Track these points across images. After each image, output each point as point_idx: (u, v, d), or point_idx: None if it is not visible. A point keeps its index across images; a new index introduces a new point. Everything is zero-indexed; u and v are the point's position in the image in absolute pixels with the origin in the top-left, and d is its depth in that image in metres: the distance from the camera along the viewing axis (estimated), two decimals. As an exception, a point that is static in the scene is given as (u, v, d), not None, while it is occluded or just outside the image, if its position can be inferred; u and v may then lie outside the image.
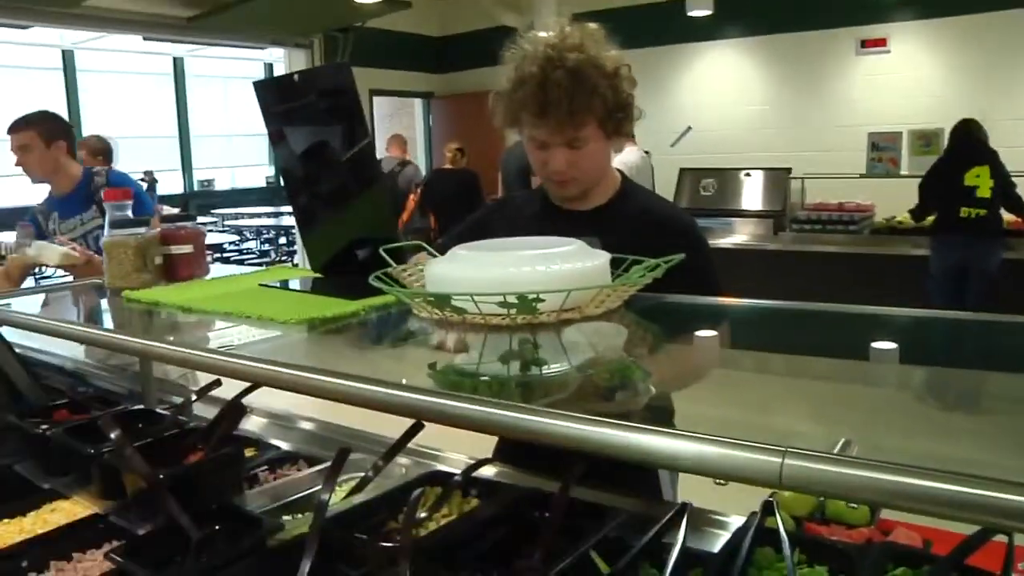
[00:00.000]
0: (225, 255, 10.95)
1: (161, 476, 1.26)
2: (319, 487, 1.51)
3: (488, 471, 1.56)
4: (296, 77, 1.34)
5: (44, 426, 1.62)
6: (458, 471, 1.48)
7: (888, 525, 1.49)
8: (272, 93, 1.45)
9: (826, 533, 1.45)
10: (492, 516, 1.26)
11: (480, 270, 1.08)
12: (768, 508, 1.21)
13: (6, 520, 1.42)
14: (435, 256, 1.32)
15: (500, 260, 1.10)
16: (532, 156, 1.64)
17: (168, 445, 1.45)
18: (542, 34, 1.57)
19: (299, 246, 9.11)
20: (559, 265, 1.08)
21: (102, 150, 5.38)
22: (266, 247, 12.15)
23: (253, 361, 0.90)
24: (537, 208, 1.73)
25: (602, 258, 1.15)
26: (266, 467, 1.59)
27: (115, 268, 1.55)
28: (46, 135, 3.16)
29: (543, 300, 1.02)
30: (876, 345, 1.01)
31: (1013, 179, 5.36)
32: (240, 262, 10.89)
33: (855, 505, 1.52)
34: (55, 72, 13.35)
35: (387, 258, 1.24)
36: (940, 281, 5.34)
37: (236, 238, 11.92)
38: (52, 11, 6.29)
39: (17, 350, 1.90)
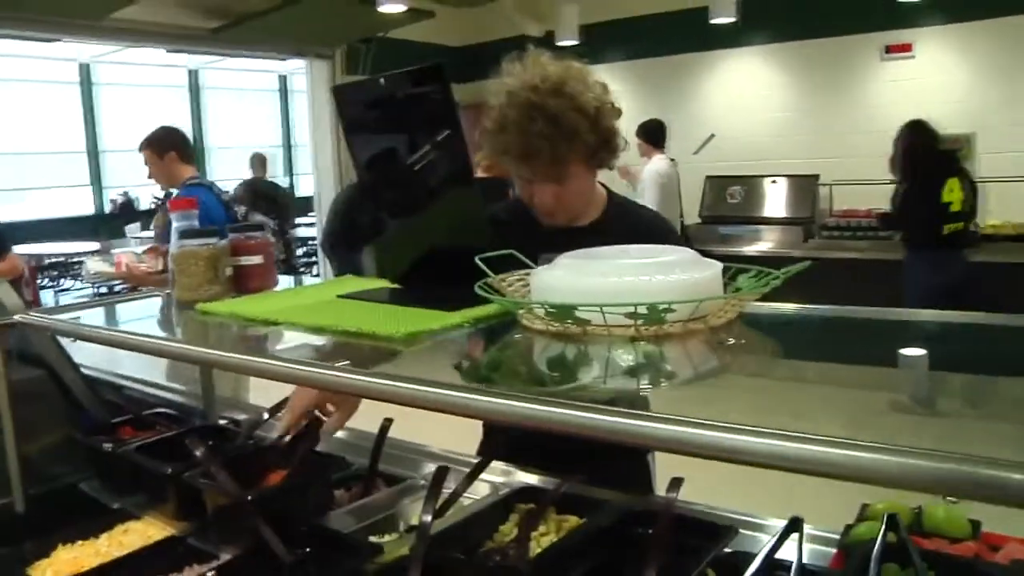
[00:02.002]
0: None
1: (250, 497, 1.20)
2: (403, 504, 1.48)
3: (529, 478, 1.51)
4: (382, 80, 1.29)
5: (109, 444, 1.57)
6: (546, 486, 1.43)
7: (994, 539, 1.43)
8: (353, 97, 1.40)
9: (929, 546, 1.39)
10: (599, 533, 1.20)
11: (597, 279, 1.02)
12: (891, 522, 1.16)
13: (80, 542, 1.37)
14: (531, 265, 1.27)
15: (616, 269, 1.04)
16: (519, 186, 1.68)
17: (247, 463, 1.40)
18: (524, 71, 1.57)
19: (319, 257, 9.10)
20: (679, 275, 1.03)
21: None
22: (283, 257, 12.12)
23: (390, 380, 0.84)
24: (530, 225, 1.72)
25: (715, 267, 1.09)
26: (341, 486, 1.54)
27: (185, 280, 1.50)
28: (158, 149, 3.74)
29: (673, 311, 0.96)
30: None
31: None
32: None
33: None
34: (73, 86, 13.42)
35: (484, 267, 1.19)
36: (917, 296, 5.15)
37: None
38: (78, 24, 6.28)
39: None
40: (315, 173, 8.68)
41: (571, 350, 1.00)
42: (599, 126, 1.56)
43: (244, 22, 6.84)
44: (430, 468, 1.67)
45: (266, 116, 16.70)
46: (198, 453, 1.23)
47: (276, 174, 16.64)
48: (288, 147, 16.95)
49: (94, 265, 3.86)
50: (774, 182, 7.34)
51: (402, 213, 1.43)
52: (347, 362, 0.93)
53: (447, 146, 1.26)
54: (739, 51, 8.12)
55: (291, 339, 1.22)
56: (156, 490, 1.42)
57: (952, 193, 5.11)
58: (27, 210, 12.75)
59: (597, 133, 1.56)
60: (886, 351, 1.01)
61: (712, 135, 8.12)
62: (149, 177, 3.85)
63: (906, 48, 7.35)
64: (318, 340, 1.16)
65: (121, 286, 3.58)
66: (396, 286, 1.46)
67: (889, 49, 7.42)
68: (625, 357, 0.96)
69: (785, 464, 0.61)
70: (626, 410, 0.70)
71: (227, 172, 15.61)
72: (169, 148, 3.76)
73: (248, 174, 9.23)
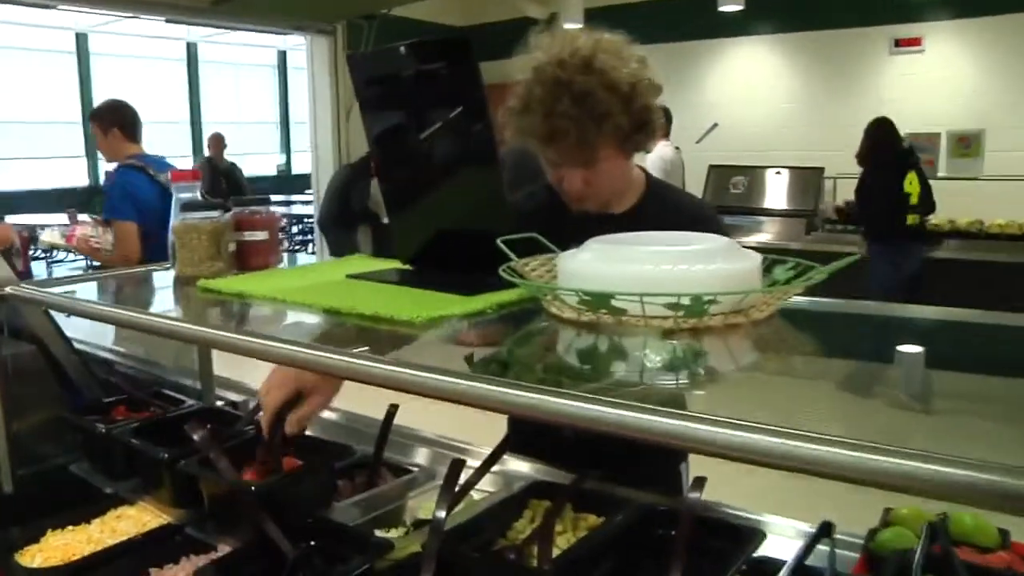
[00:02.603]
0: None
1: (253, 488, 1.14)
2: (410, 496, 1.41)
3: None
4: (403, 49, 1.21)
5: (102, 425, 1.50)
6: (555, 480, 1.37)
7: (1024, 549, 1.37)
8: (370, 66, 1.32)
9: (960, 556, 1.33)
10: (620, 534, 1.14)
11: (633, 266, 0.95)
12: (933, 531, 1.10)
13: (71, 527, 1.31)
14: (554, 250, 1.20)
15: (654, 256, 0.97)
16: (547, 171, 1.56)
17: (247, 450, 1.33)
18: (553, 44, 1.45)
19: (316, 235, 9.00)
20: (720, 264, 0.96)
21: None
22: (279, 235, 12.02)
23: (418, 371, 0.77)
24: (562, 210, 1.61)
25: (755, 258, 1.03)
26: (345, 475, 1.47)
27: (186, 255, 1.43)
28: (102, 124, 3.71)
29: (718, 303, 0.89)
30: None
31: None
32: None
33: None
34: (69, 55, 13.24)
35: (506, 250, 1.12)
36: (883, 287, 5.35)
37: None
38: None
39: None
40: (313, 151, 8.58)
41: (604, 341, 0.93)
42: (633, 105, 1.43)
43: (244, -5, 6.72)
44: (437, 457, 1.61)
45: (264, 92, 16.54)
46: (197, 438, 1.16)
47: (272, 150, 16.52)
48: (285, 124, 16.80)
49: (48, 236, 3.82)
50: (778, 173, 7.26)
51: (418, 191, 1.36)
52: (366, 348, 0.86)
53: (470, 123, 1.19)
54: (746, 40, 8.04)
55: (298, 320, 1.15)
56: (152, 475, 1.35)
57: (911, 185, 5.42)
58: (21, 180, 12.61)
59: (630, 114, 1.43)
60: (929, 348, 0.94)
61: (716, 124, 8.04)
62: (97, 149, 3.87)
63: (915, 42, 7.28)
64: (326, 322, 1.09)
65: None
66: (408, 267, 1.39)
67: (898, 43, 7.35)
68: (664, 350, 0.89)
69: (822, 470, 0.55)
70: (659, 408, 0.64)
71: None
72: (113, 124, 3.72)
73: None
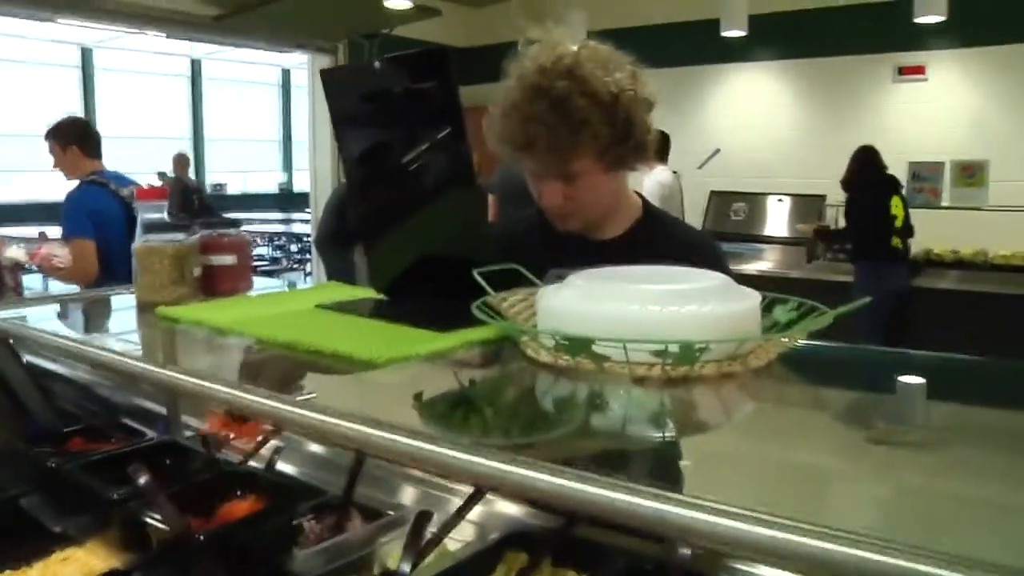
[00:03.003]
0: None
1: (201, 537, 1.04)
2: (381, 543, 1.31)
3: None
4: (377, 65, 1.13)
5: (55, 458, 1.40)
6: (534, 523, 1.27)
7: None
8: (344, 83, 1.24)
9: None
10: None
11: (617, 305, 0.86)
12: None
13: (8, 571, 1.21)
14: (535, 283, 1.11)
15: (640, 295, 0.88)
16: (529, 183, 1.46)
17: (205, 490, 1.24)
18: (540, 53, 1.38)
19: (313, 255, 8.92)
20: (714, 305, 0.87)
21: None
22: (277, 254, 11.96)
23: (365, 426, 0.68)
24: (548, 233, 1.52)
25: (753, 297, 0.94)
26: (312, 516, 1.37)
27: (148, 279, 1.34)
28: (61, 140, 3.62)
29: (710, 350, 0.80)
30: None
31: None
32: (253, 268, 10.68)
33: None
34: (73, 69, 13.25)
35: (482, 283, 1.03)
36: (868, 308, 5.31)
37: (248, 243, 11.73)
38: (75, 3, 6.11)
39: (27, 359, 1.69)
40: (312, 170, 8.52)
41: (581, 391, 0.84)
42: (616, 116, 1.34)
43: (246, 11, 6.68)
44: (420, 496, 1.50)
45: (266, 109, 16.55)
46: (141, 481, 1.07)
47: (274, 168, 16.49)
48: (287, 142, 16.80)
49: (11, 252, 3.74)
50: (780, 200, 7.19)
51: (393, 216, 1.28)
52: (312, 394, 0.77)
53: (447, 143, 1.11)
54: (749, 65, 7.99)
55: (250, 355, 1.06)
56: (100, 516, 1.26)
57: (897, 208, 5.60)
58: (25, 192, 12.54)
59: (612, 124, 1.34)
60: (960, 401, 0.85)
61: (718, 150, 7.97)
62: (54, 167, 3.74)
63: (919, 71, 7.22)
64: (280, 358, 1.00)
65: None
66: (383, 297, 1.30)
67: (902, 71, 7.29)
68: (648, 405, 0.80)
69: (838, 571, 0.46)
70: (635, 487, 0.54)
71: (224, 164, 15.48)
72: (72, 141, 3.65)
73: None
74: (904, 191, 5.92)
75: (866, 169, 5.76)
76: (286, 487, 1.30)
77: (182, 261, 1.35)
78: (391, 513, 1.36)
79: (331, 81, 1.23)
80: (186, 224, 1.38)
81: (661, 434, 0.77)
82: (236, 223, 1.45)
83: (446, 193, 1.15)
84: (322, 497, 1.37)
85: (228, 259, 1.41)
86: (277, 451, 1.41)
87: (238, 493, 1.26)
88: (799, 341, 0.94)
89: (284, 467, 1.52)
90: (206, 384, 0.84)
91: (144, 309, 1.34)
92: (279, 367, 1.01)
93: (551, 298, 0.93)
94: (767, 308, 0.98)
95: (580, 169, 1.38)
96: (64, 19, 6.91)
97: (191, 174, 10.08)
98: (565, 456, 0.71)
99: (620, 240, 1.49)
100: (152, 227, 1.35)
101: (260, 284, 1.59)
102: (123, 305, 1.43)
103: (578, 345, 0.81)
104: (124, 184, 3.58)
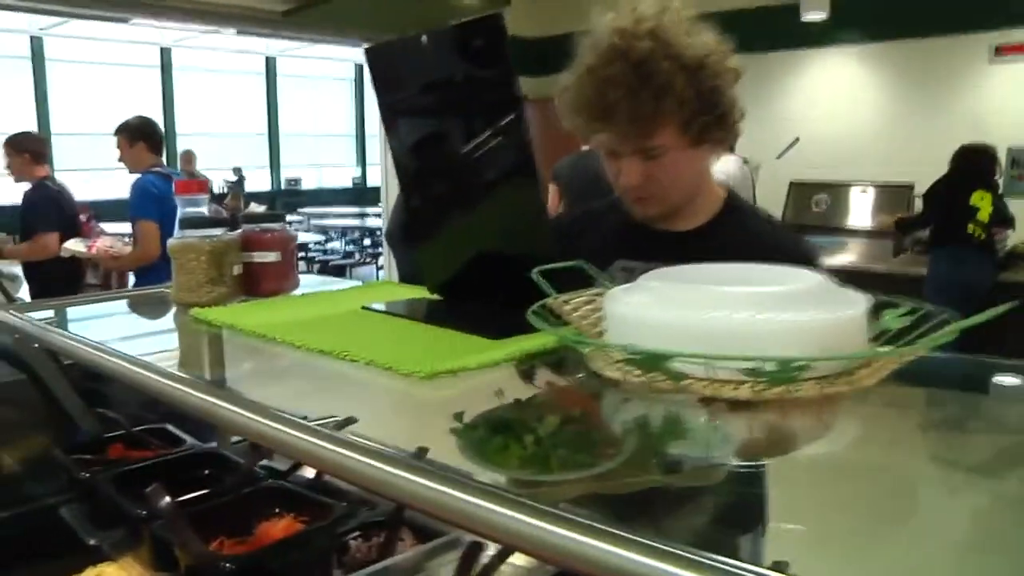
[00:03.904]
0: (309, 255, 10.89)
1: (227, 564, 0.94)
2: (431, 568, 1.19)
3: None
4: (424, 39, 1.01)
5: (93, 467, 1.33)
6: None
7: None
8: (390, 62, 1.12)
9: None
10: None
11: (698, 313, 0.72)
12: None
13: (41, 587, 1.14)
14: (601, 282, 0.97)
15: (726, 300, 0.73)
16: (605, 164, 1.33)
17: (237, 507, 1.14)
18: (616, 17, 1.26)
19: (385, 249, 8.91)
20: (815, 313, 0.72)
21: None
22: (351, 247, 12.06)
23: (382, 463, 0.56)
24: (620, 223, 1.39)
25: (860, 302, 0.78)
26: (358, 534, 1.27)
27: (184, 278, 1.25)
28: (129, 137, 4.01)
29: (812, 368, 0.66)
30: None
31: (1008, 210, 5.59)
32: (324, 263, 10.79)
33: None
34: (153, 69, 13.57)
35: (543, 284, 0.89)
36: (938, 294, 5.22)
37: (321, 238, 11.86)
38: (147, 3, 6.20)
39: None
40: (383, 164, 8.50)
41: (654, 417, 0.70)
42: (701, 83, 1.21)
43: (315, 5, 6.68)
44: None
45: (340, 105, 16.71)
46: (161, 504, 0.97)
47: (348, 163, 16.64)
48: (361, 137, 16.93)
49: (72, 245, 4.04)
50: (864, 191, 6.86)
51: (446, 209, 1.15)
52: (334, 418, 0.65)
53: (506, 127, 0.98)
54: (831, 50, 7.64)
55: (277, 365, 0.95)
56: (132, 532, 1.18)
57: (982, 201, 5.39)
58: (111, 190, 12.91)
59: (698, 91, 1.21)
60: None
61: (797, 139, 7.65)
62: (119, 160, 4.13)
63: (1019, 49, 6.78)
64: (310, 369, 0.89)
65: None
66: (434, 297, 1.18)
67: (999, 50, 6.85)
68: (735, 434, 0.66)
69: None
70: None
71: (300, 159, 15.69)
72: (139, 138, 4.04)
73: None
74: (1001, 180, 5.61)
75: (959, 164, 5.63)
76: (329, 505, 1.19)
77: (221, 258, 1.26)
78: (445, 535, 1.24)
79: (377, 60, 1.12)
80: (226, 219, 1.29)
81: (751, 477, 0.63)
82: (280, 217, 1.34)
83: (504, 183, 1.02)
84: (370, 514, 1.26)
85: (271, 256, 1.31)
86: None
87: (276, 511, 1.15)
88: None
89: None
90: (205, 398, 0.73)
91: (181, 310, 1.25)
92: (307, 379, 0.90)
93: (620, 302, 0.79)
94: (873, 312, 0.82)
95: (662, 142, 1.24)
96: (139, 19, 7.02)
97: (198, 168, 10.19)
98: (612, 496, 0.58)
99: (697, 233, 1.35)
100: (187, 222, 1.26)
101: (314, 281, 1.50)
102: (160, 305, 1.34)
103: (653, 360, 0.67)
104: (177, 177, 3.78)
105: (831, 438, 0.71)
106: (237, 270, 1.28)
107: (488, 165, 1.01)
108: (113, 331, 1.33)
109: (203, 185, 1.33)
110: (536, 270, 0.90)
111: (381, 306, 1.14)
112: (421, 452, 0.61)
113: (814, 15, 6.83)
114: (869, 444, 0.69)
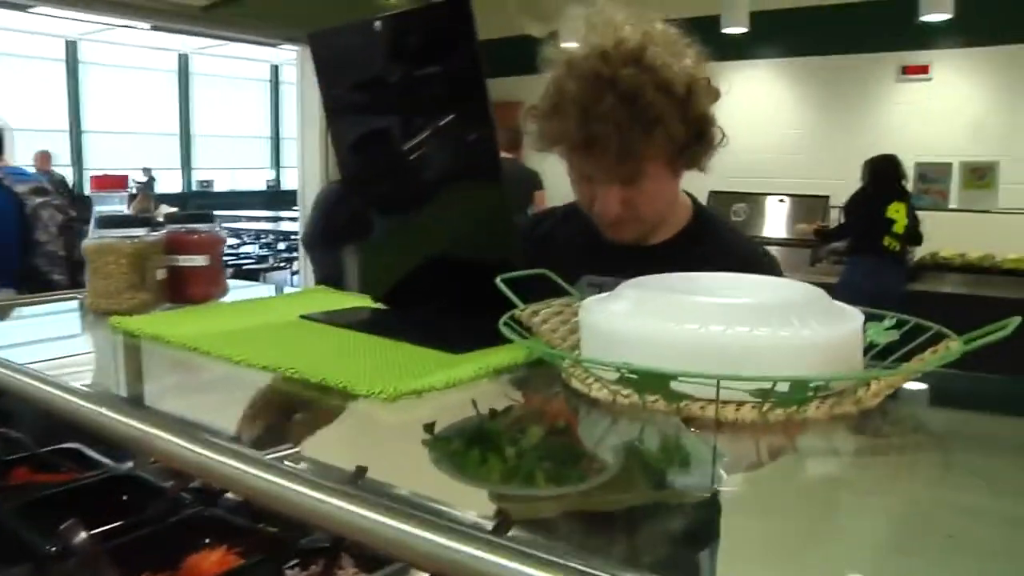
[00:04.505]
0: (223, 259, 10.52)
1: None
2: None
3: None
4: (377, 24, 0.93)
5: (-6, 493, 1.19)
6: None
7: None
8: (337, 50, 1.03)
9: None
10: None
11: (692, 327, 0.66)
12: None
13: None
14: (568, 291, 0.91)
15: (725, 313, 0.67)
16: (576, 187, 1.27)
17: (160, 540, 1.03)
18: (592, 33, 1.19)
19: (301, 254, 8.67)
20: (816, 327, 0.66)
21: None
22: (264, 252, 11.71)
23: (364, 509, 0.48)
24: (587, 231, 1.33)
25: (856, 316, 0.73)
26: (296, 562, 1.17)
27: (100, 283, 1.13)
28: None
29: (830, 388, 0.60)
30: None
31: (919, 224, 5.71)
32: (237, 267, 10.45)
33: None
34: (58, 63, 12.94)
35: (508, 293, 0.82)
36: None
37: (235, 241, 11.48)
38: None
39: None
40: (300, 167, 8.29)
41: (654, 440, 0.63)
42: (690, 112, 1.15)
43: (235, 1, 6.46)
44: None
45: (256, 106, 16.28)
46: (75, 541, 0.86)
47: (263, 165, 16.22)
48: (276, 139, 16.54)
49: None
50: (781, 201, 7.02)
51: (396, 212, 1.07)
52: (289, 448, 0.56)
53: (467, 121, 0.90)
54: (750, 63, 7.80)
55: (214, 382, 0.85)
56: (40, 570, 1.05)
57: (897, 213, 5.48)
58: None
59: (688, 122, 1.16)
60: None
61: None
62: None
63: (923, 70, 7.06)
64: (249, 389, 0.80)
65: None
66: (380, 306, 1.10)
67: (905, 70, 7.13)
68: (748, 456, 0.60)
69: None
70: None
71: (213, 160, 15.22)
72: None
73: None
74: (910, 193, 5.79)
75: (878, 171, 5.71)
76: (266, 535, 1.09)
77: (143, 262, 1.14)
78: (392, 563, 1.15)
79: (322, 47, 1.02)
80: (149, 218, 1.17)
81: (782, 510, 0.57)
82: (209, 217, 1.23)
83: (464, 182, 0.94)
84: (310, 540, 1.16)
85: (198, 260, 1.20)
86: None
87: (206, 541, 1.05)
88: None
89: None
90: (114, 417, 0.64)
91: (97, 318, 1.13)
92: (245, 400, 0.80)
93: (600, 314, 0.73)
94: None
95: (648, 173, 1.19)
96: (42, 8, 6.66)
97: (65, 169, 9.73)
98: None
99: (667, 245, 1.29)
100: (107, 221, 1.14)
101: (239, 285, 1.39)
102: (72, 312, 1.22)
103: (654, 381, 0.61)
104: (24, 179, 3.37)
105: (831, 458, 0.65)
106: (161, 274, 1.17)
107: (446, 162, 0.93)
108: (14, 340, 1.19)
109: (122, 181, 1.22)
110: (500, 278, 0.83)
111: (322, 315, 1.05)
112: (360, 472, 0.54)
113: (734, 28, 6.95)
114: (877, 467, 0.64)
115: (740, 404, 0.63)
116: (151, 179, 11.76)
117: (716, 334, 0.65)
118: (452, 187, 0.95)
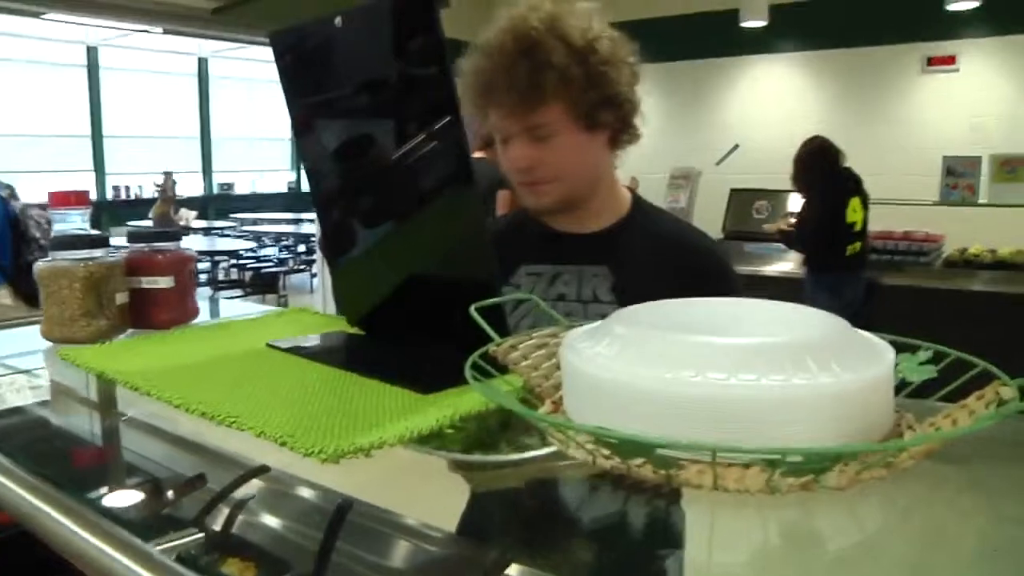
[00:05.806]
0: (242, 261, 10.50)
1: None
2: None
3: None
4: (338, 21, 0.82)
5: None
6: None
7: None
8: (299, 51, 0.93)
9: None
10: None
11: (680, 375, 0.55)
12: None
13: None
14: (555, 317, 0.80)
15: (724, 354, 0.56)
16: (500, 155, 1.31)
17: None
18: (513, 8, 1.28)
19: (319, 256, 8.62)
20: (838, 370, 0.55)
21: None
22: (284, 254, 11.69)
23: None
24: (531, 231, 1.35)
25: (887, 354, 0.61)
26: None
27: (55, 310, 1.04)
28: None
29: (854, 457, 0.49)
30: None
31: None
32: (256, 270, 10.43)
33: None
34: (79, 69, 12.99)
35: (483, 325, 0.72)
36: None
37: (254, 244, 11.47)
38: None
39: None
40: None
41: (634, 515, 0.53)
42: (589, 65, 1.19)
43: (246, 3, 6.40)
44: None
45: (275, 108, 16.28)
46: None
47: (283, 167, 16.22)
48: (296, 141, 16.55)
49: None
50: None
51: (366, 229, 0.97)
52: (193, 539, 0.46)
53: (434, 125, 0.80)
54: (769, 57, 7.65)
55: (150, 429, 0.75)
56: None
57: (855, 213, 5.04)
58: (30, 194, 12.31)
59: (584, 69, 1.19)
60: None
61: (736, 145, 7.63)
62: None
63: (949, 61, 6.87)
64: (183, 441, 0.70)
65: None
66: (355, 332, 1.00)
67: (931, 61, 6.94)
68: (753, 545, 0.49)
69: None
70: None
71: (233, 163, 15.25)
72: None
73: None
74: (939, 187, 5.54)
75: (819, 168, 5.09)
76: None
77: (100, 286, 1.05)
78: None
79: (284, 48, 0.92)
80: (105, 238, 1.07)
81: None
82: (175, 235, 1.14)
83: (436, 193, 0.84)
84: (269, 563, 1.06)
85: (162, 281, 1.10)
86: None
87: None
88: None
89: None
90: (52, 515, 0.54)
91: (53, 348, 1.04)
92: (179, 452, 0.70)
93: (581, 356, 0.61)
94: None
95: (547, 119, 1.21)
96: (56, 15, 6.65)
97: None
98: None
99: (605, 233, 1.32)
100: (61, 243, 1.05)
101: (217, 308, 1.30)
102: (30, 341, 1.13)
103: (636, 449, 0.50)
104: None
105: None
106: (121, 299, 1.07)
107: (416, 171, 0.83)
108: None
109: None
110: (475, 306, 0.72)
111: (289, 344, 0.95)
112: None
113: (753, 22, 6.81)
114: (922, 551, 0.52)
115: (746, 467, 0.52)
116: (173, 182, 11.73)
117: (717, 385, 0.54)
118: (425, 199, 0.85)
